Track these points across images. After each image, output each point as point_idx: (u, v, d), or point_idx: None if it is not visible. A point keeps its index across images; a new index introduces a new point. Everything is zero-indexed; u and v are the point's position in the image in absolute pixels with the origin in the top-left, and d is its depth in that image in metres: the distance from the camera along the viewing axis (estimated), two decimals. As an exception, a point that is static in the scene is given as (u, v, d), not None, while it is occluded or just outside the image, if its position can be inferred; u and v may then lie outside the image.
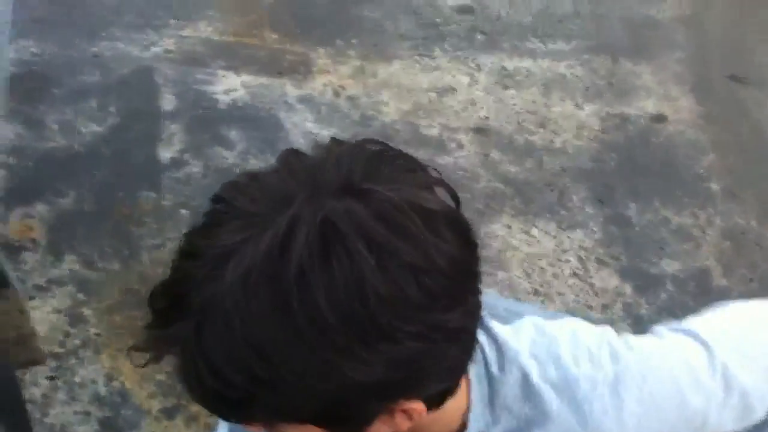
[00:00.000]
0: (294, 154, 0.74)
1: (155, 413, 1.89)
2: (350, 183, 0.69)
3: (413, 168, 0.74)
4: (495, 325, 0.90)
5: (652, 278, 2.26)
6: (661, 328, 0.98)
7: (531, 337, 0.90)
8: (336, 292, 0.65)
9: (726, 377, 0.92)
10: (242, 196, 0.70)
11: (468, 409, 0.87)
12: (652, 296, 2.21)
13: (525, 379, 0.87)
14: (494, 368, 0.87)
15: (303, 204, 0.67)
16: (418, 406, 0.73)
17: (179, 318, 0.69)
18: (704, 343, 0.94)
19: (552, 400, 0.87)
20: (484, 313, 0.89)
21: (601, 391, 0.88)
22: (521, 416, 0.88)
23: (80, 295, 2.15)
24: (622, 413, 0.88)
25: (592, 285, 2.23)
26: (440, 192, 0.74)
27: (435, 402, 0.77)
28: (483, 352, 0.88)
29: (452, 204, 0.74)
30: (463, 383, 0.86)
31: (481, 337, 0.88)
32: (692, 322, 0.99)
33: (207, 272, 0.68)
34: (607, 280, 2.25)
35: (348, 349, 0.66)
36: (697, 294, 2.22)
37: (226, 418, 0.77)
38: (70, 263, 2.23)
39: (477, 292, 0.75)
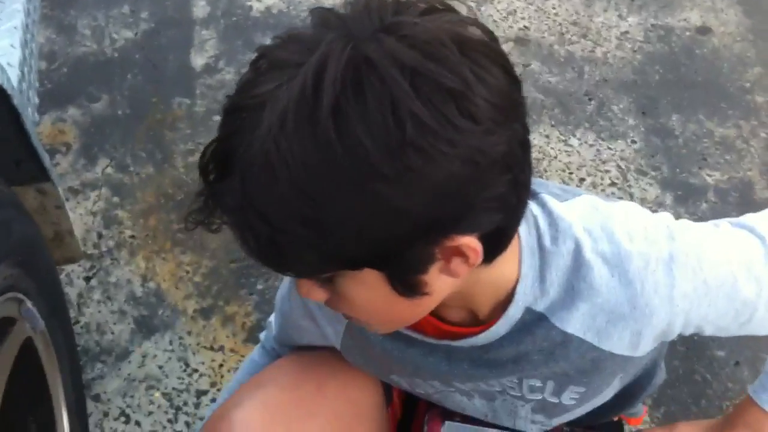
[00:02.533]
0: (326, 9, 0.72)
1: (191, 313, 1.90)
2: (380, 20, 0.68)
3: (447, 8, 0.72)
4: (549, 200, 0.87)
5: (693, 189, 2.21)
6: (718, 221, 0.95)
7: (585, 212, 0.87)
8: (372, 118, 0.63)
9: None
10: (279, 50, 0.70)
11: (518, 281, 0.85)
12: (693, 206, 2.16)
13: (577, 252, 0.85)
14: (547, 241, 0.85)
15: (332, 43, 0.66)
16: (472, 242, 0.71)
17: (227, 174, 0.69)
18: (761, 237, 0.91)
19: (603, 275, 0.85)
20: (539, 188, 0.87)
21: (654, 268, 0.85)
22: (570, 288, 0.85)
23: (114, 198, 2.15)
24: (674, 292, 0.85)
25: (631, 195, 2.18)
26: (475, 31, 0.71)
27: (490, 242, 0.74)
28: (536, 224, 0.86)
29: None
30: (514, 251, 0.83)
31: (536, 210, 0.86)
32: (750, 217, 0.96)
33: (246, 123, 0.67)
34: (648, 190, 2.20)
35: (391, 176, 0.64)
36: (739, 204, 2.17)
37: (285, 271, 0.76)
38: (104, 167, 2.22)
39: (524, 123, 0.72)
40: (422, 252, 0.71)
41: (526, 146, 0.73)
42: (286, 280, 1.07)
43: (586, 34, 2.70)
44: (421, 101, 0.64)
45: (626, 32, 2.72)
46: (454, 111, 0.65)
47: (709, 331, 0.92)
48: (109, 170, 2.21)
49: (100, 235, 2.05)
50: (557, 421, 1.07)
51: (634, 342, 0.88)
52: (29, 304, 1.28)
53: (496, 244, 0.76)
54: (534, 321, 0.87)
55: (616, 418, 1.26)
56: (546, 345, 0.89)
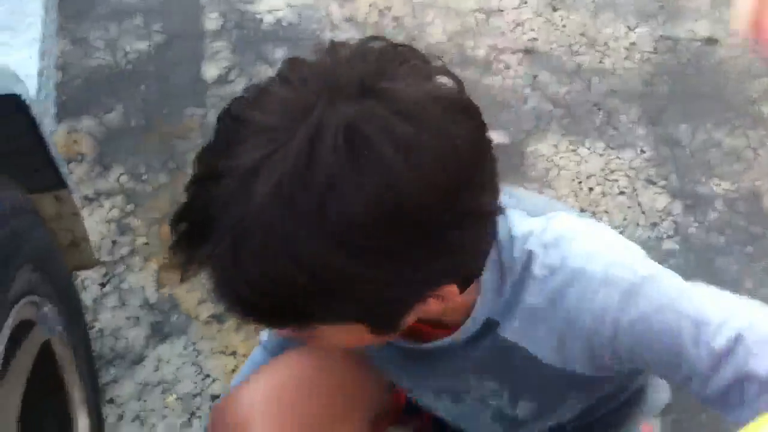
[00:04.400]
0: (299, 62, 0.73)
1: (204, 319, 1.92)
2: (365, 84, 0.68)
3: (420, 60, 0.74)
4: (512, 213, 0.88)
5: (701, 198, 2.23)
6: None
7: (552, 227, 0.86)
8: (369, 195, 0.65)
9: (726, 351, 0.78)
10: (256, 111, 0.69)
11: (478, 293, 0.87)
12: (702, 215, 2.18)
13: (527, 263, 0.85)
14: (506, 255, 0.86)
15: (323, 111, 0.66)
16: (452, 288, 0.75)
17: (206, 240, 0.69)
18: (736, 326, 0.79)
19: (544, 286, 0.84)
20: (518, 202, 0.89)
21: (596, 289, 0.82)
22: (515, 298, 0.87)
23: (128, 207, 2.17)
24: (607, 314, 0.82)
25: (640, 204, 2.19)
26: (445, 80, 0.74)
27: (467, 283, 0.78)
28: (498, 239, 0.86)
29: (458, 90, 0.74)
30: None
31: (501, 224, 0.87)
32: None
33: (233, 192, 0.66)
34: (656, 199, 2.21)
35: (388, 248, 0.67)
36: (747, 214, 2.18)
37: (259, 323, 0.78)
38: (118, 176, 2.25)
39: (496, 173, 0.75)
40: (408, 303, 0.75)
41: (498, 193, 0.76)
42: None
43: (594, 45, 2.73)
44: (416, 175, 0.66)
45: (634, 43, 2.75)
46: (444, 178, 0.67)
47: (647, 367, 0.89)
48: (122, 179, 2.24)
49: (114, 243, 2.07)
50: None
51: (560, 349, 0.87)
52: (47, 308, 1.30)
53: (468, 281, 0.81)
54: (490, 328, 0.89)
55: None
56: (496, 352, 0.91)
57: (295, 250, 0.66)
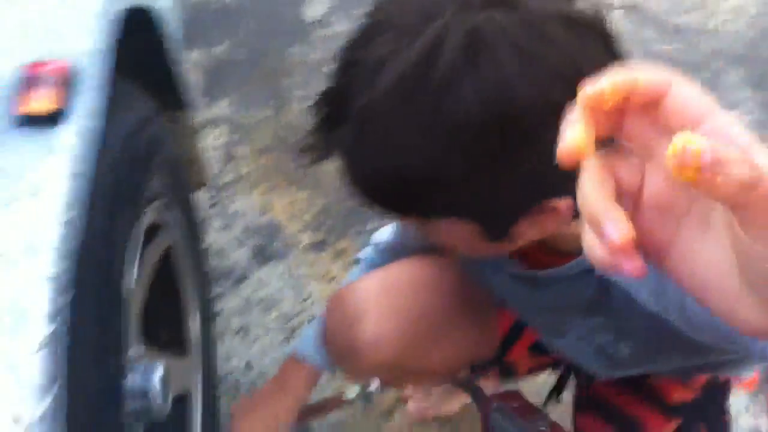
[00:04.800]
0: None
1: (304, 246, 2.00)
2: None
3: None
4: None
5: (803, 161, 2.20)
6: None
7: None
8: (483, 94, 0.67)
9: None
10: (394, 11, 0.74)
11: None
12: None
13: None
14: None
15: (452, 15, 0.69)
16: (566, 203, 0.75)
17: (340, 122, 0.74)
18: None
19: None
20: None
21: None
22: None
23: (234, 136, 2.26)
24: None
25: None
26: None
27: None
28: None
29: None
30: None
31: None
32: None
33: (363, 80, 0.71)
34: (756, 159, 2.20)
35: (497, 148, 0.69)
36: None
37: (385, 210, 0.81)
38: (224, 107, 2.34)
39: None
40: (518, 208, 0.76)
41: None
42: None
43: (700, 6, 2.69)
44: (529, 83, 0.67)
45: (740, 5, 2.70)
46: (559, 94, 0.65)
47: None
48: (228, 111, 2.33)
49: (220, 169, 2.16)
50: (620, 374, 1.11)
51: (658, 295, 0.86)
52: (173, 214, 1.39)
53: None
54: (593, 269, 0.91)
55: (723, 378, 1.24)
56: (602, 289, 0.93)
57: (411, 142, 0.70)
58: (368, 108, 0.71)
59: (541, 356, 1.26)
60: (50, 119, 0.87)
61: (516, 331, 1.24)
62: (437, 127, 0.69)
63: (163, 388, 1.23)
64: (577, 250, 0.89)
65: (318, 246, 2.00)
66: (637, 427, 1.15)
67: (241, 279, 1.93)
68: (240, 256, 1.98)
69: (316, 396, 1.34)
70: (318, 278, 1.93)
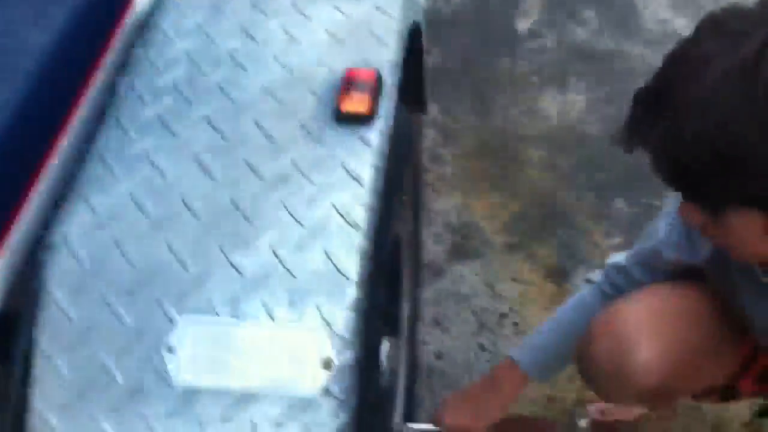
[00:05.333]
0: None
1: (499, 247, 2.13)
2: None
3: None
4: None
5: None
6: None
7: None
8: None
9: None
10: (728, 18, 0.86)
11: None
12: None
13: None
14: None
15: None
16: None
17: (659, 108, 0.86)
18: None
19: None
20: None
21: None
22: None
23: (441, 139, 2.42)
24: None
25: None
26: None
27: None
28: None
29: None
30: None
31: None
32: None
33: (689, 72, 0.84)
34: None
35: None
36: None
37: (687, 195, 0.92)
38: (433, 111, 2.49)
39: None
40: None
41: None
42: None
43: None
44: None
45: None
46: None
47: None
48: (437, 115, 2.49)
49: (426, 170, 2.33)
50: None
51: None
52: (407, 207, 1.55)
53: None
54: None
55: None
56: None
57: (731, 127, 0.80)
58: (689, 96, 0.82)
59: (765, 385, 1.33)
60: (364, 119, 1.04)
61: (749, 359, 1.31)
62: (757, 116, 0.79)
63: (387, 363, 1.40)
64: None
65: (512, 247, 2.13)
66: None
67: (438, 272, 2.08)
68: (438, 251, 2.13)
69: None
70: (509, 278, 2.06)
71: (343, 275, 0.92)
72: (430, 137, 2.42)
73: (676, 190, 0.91)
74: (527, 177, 2.32)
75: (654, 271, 1.30)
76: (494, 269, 2.09)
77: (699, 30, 0.89)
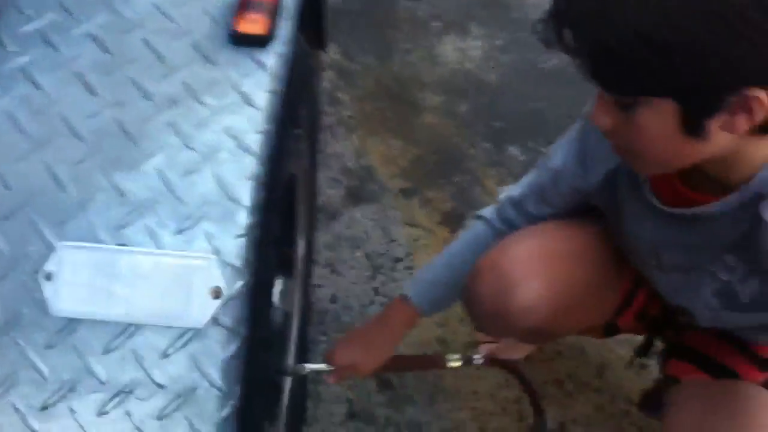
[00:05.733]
0: None
1: (395, 191, 2.12)
2: None
3: None
4: None
5: None
6: None
7: None
8: None
9: None
10: None
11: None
12: None
13: None
14: None
15: None
16: (762, 95, 0.83)
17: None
18: None
19: None
20: None
21: None
22: None
23: (339, 81, 2.38)
24: None
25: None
26: None
27: None
28: None
29: None
30: None
31: None
32: None
33: None
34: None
35: (749, 28, 0.78)
36: None
37: (607, 85, 0.89)
38: (333, 52, 2.44)
39: None
40: (722, 95, 0.84)
41: None
42: (571, 146, 1.23)
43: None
44: None
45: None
46: None
47: None
48: (336, 56, 2.44)
49: (324, 112, 2.28)
50: (726, 320, 1.17)
51: None
52: (303, 145, 1.51)
53: None
54: (753, 203, 0.97)
55: None
56: (749, 230, 0.99)
57: (672, 15, 0.79)
58: None
59: (642, 323, 1.37)
60: (260, 40, 0.99)
61: (630, 293, 1.34)
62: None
63: (281, 302, 1.37)
64: (744, 179, 0.96)
65: (408, 192, 2.12)
66: (731, 374, 1.23)
67: (334, 216, 2.05)
68: (334, 194, 2.10)
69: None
70: (405, 223, 2.05)
71: (235, 201, 0.88)
72: (328, 79, 2.38)
73: (596, 78, 0.89)
74: (425, 123, 2.31)
75: (547, 203, 1.30)
76: (389, 214, 2.07)
77: None
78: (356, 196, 2.11)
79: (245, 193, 0.89)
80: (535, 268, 1.20)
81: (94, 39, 1.01)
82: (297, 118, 1.31)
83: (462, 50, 2.53)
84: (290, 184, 1.50)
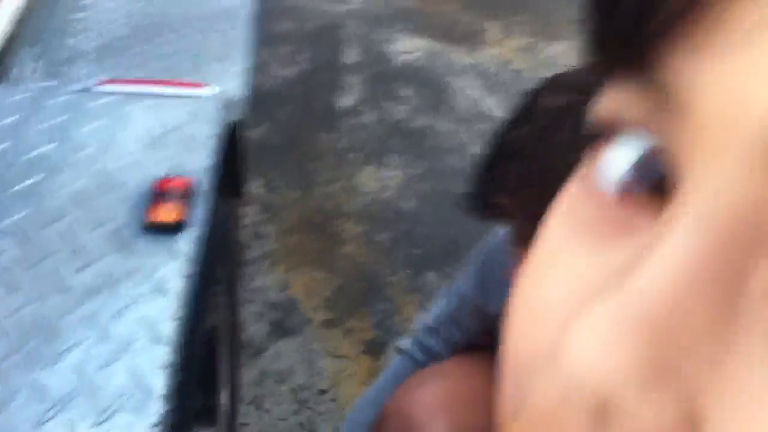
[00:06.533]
0: None
1: (318, 323, 2.19)
2: None
3: None
4: None
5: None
6: None
7: None
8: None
9: None
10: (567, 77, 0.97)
11: None
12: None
13: None
14: None
15: None
16: None
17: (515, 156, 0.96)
18: None
19: None
20: None
21: None
22: None
23: (263, 216, 2.46)
24: None
25: None
26: None
27: None
28: None
29: None
30: None
31: None
32: None
33: (547, 124, 0.93)
34: None
35: None
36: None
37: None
38: (257, 186, 2.54)
39: None
40: None
41: None
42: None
43: None
44: None
45: None
46: None
47: None
48: (261, 189, 2.53)
49: (249, 246, 2.36)
50: None
51: None
52: (222, 297, 1.57)
53: None
54: None
55: None
56: None
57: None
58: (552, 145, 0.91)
59: None
60: (175, 228, 1.07)
61: None
62: None
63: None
64: None
65: (331, 323, 2.19)
66: None
67: (259, 352, 2.11)
68: (259, 329, 2.16)
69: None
70: (329, 354, 2.12)
71: (149, 392, 0.94)
72: (253, 213, 2.46)
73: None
74: (347, 252, 2.41)
75: (461, 328, 1.36)
76: (314, 346, 2.14)
77: (539, 90, 0.98)
78: (281, 330, 2.17)
79: (159, 382, 0.96)
80: (440, 409, 1.26)
81: (17, 231, 1.08)
82: (215, 279, 1.38)
83: (381, 180, 2.65)
84: (211, 336, 1.56)
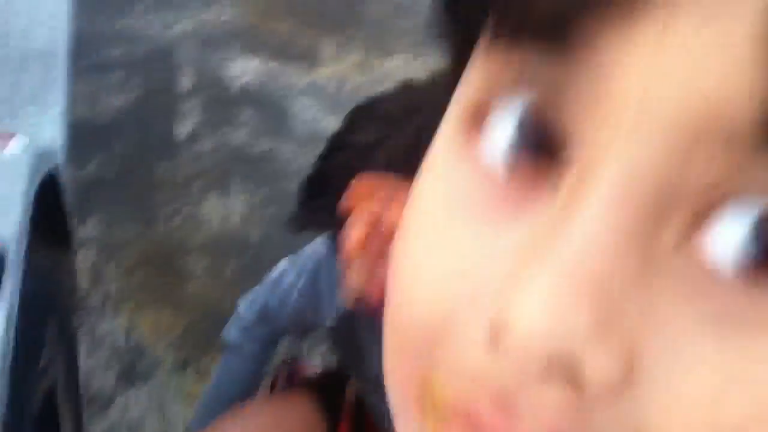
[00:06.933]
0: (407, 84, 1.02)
1: (168, 365, 2.10)
2: None
3: None
4: None
5: None
6: None
7: None
8: None
9: None
10: (377, 105, 0.98)
11: None
12: None
13: None
14: None
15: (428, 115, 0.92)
16: None
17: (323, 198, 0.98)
18: None
19: None
20: None
21: None
22: None
23: (101, 257, 2.34)
24: None
25: None
26: None
27: None
28: None
29: None
30: None
31: None
32: None
33: (357, 158, 0.92)
34: None
35: None
36: None
37: None
38: (93, 226, 2.41)
39: None
40: None
41: None
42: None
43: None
44: None
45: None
46: None
47: None
48: (97, 229, 2.41)
49: (88, 292, 2.24)
50: None
51: None
52: (59, 356, 1.48)
53: None
54: None
55: None
56: None
57: None
58: None
59: None
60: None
61: None
62: None
63: None
64: None
65: (182, 364, 2.11)
66: None
67: (107, 403, 2.00)
68: (106, 379, 2.05)
69: None
70: (181, 398, 2.04)
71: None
72: (90, 255, 2.34)
73: None
74: (193, 288, 2.32)
75: (273, 323, 1.37)
76: (164, 392, 2.05)
77: (352, 120, 0.97)
78: (130, 377, 2.07)
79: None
80: None
81: None
82: (43, 340, 1.29)
83: (225, 208, 2.58)
84: (51, 397, 1.46)
